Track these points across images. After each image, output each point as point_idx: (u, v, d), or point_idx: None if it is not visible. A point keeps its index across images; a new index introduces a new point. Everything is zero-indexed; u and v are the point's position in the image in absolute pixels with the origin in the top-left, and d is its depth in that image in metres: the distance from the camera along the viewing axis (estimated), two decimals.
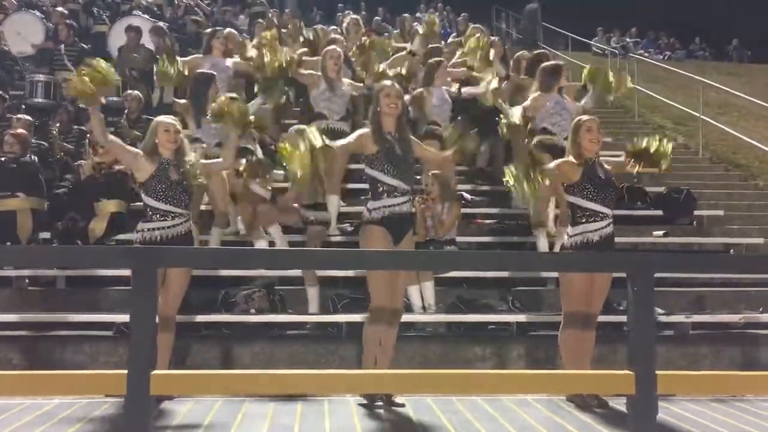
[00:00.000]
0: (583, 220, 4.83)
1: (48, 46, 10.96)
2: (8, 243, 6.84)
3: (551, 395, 4.99)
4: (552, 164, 4.93)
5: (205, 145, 6.45)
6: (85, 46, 11.34)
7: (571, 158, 4.90)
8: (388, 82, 5.13)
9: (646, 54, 19.49)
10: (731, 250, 7.90)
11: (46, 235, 7.13)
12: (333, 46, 7.60)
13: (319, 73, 7.27)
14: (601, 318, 5.62)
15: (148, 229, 4.88)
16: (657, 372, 3.10)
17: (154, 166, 4.88)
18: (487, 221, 8.01)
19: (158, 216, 4.88)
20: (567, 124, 6.05)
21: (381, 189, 4.81)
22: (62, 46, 10.82)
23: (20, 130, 7.35)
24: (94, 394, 4.60)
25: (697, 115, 11.43)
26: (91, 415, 4.51)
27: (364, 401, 4.79)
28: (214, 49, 7.75)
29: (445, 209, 6.54)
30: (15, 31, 11.33)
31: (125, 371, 2.88)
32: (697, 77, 12.45)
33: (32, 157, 7.32)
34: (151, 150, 4.93)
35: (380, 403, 4.77)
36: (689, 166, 10.63)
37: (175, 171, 4.91)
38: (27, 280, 6.91)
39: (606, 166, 4.97)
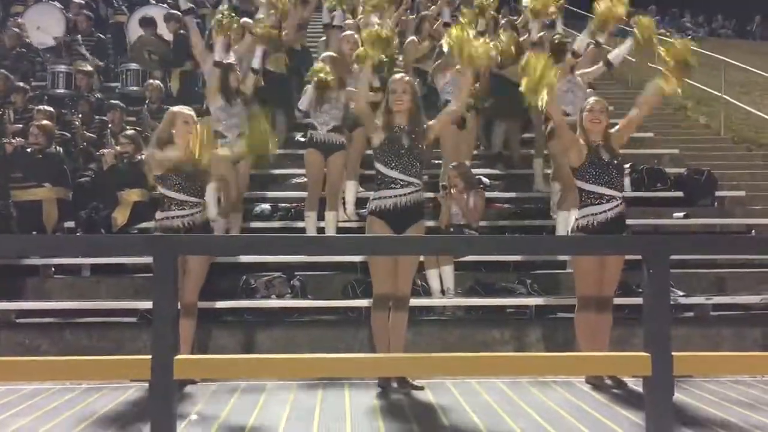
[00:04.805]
0: (588, 203, 4.85)
1: (68, 38, 11.09)
2: (34, 232, 6.99)
3: (569, 377, 5.02)
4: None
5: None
6: (102, 36, 11.44)
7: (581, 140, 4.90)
8: (397, 76, 4.96)
9: (668, 33, 19.18)
10: (753, 231, 7.83)
11: (70, 224, 7.26)
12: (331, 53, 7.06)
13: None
14: (621, 300, 5.63)
15: (167, 218, 4.95)
16: (673, 353, 3.12)
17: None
18: (506, 205, 8.01)
19: (175, 206, 4.95)
20: (580, 102, 6.05)
21: (381, 180, 4.78)
22: (79, 36, 10.94)
23: (45, 122, 7.45)
24: (120, 378, 4.69)
25: (719, 94, 11.28)
26: (117, 400, 4.61)
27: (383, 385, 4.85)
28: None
29: (470, 199, 6.62)
30: (36, 22, 11.45)
31: (149, 356, 2.96)
32: (718, 56, 12.25)
33: (57, 147, 7.43)
34: (166, 141, 4.95)
35: (395, 386, 4.82)
36: (711, 146, 10.53)
37: (192, 162, 4.94)
38: (53, 269, 7.04)
39: (614, 147, 4.92)
